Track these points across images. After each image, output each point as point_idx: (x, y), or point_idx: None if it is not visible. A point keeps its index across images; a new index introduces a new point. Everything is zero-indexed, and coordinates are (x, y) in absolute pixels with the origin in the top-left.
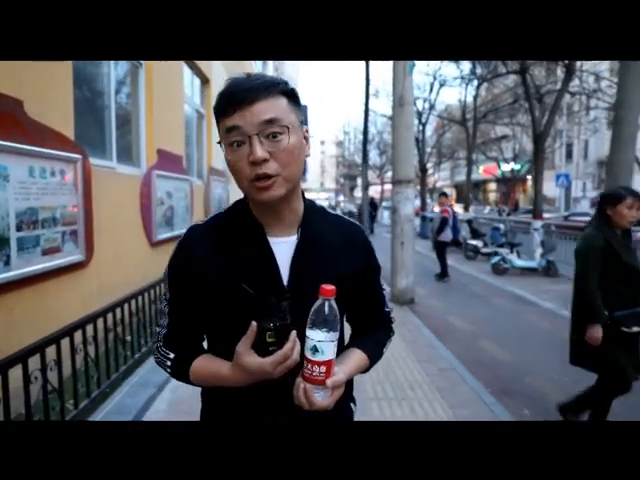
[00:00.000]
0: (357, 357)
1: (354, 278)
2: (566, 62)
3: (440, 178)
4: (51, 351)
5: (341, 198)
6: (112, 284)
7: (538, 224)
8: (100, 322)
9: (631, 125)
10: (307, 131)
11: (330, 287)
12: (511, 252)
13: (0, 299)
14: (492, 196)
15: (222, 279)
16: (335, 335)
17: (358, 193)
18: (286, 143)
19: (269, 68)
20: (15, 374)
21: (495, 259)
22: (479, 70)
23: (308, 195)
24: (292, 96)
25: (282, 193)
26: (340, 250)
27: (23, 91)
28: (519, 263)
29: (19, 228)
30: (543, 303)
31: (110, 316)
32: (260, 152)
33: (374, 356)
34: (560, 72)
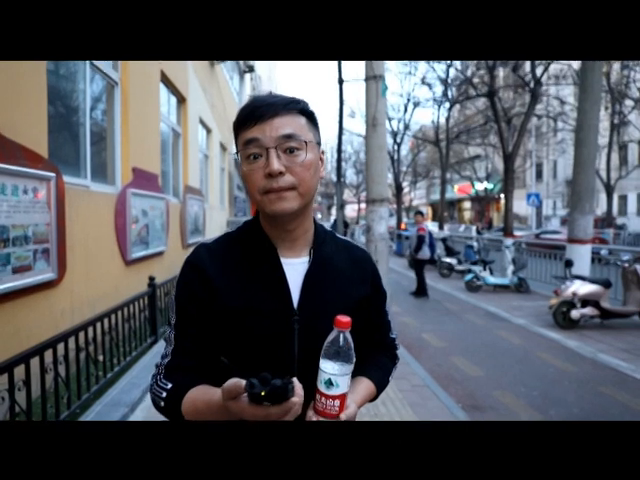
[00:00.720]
0: (366, 387)
1: (363, 304)
2: (531, 86)
3: (416, 196)
4: (20, 371)
5: (319, 216)
6: (85, 302)
7: (509, 242)
8: (72, 341)
9: (590, 146)
10: (323, 153)
11: (346, 319)
12: (484, 269)
13: None
14: (467, 214)
15: (237, 300)
16: (350, 368)
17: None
18: (303, 158)
19: (246, 86)
20: None
21: (469, 276)
22: (451, 93)
23: None
24: (311, 117)
25: (295, 207)
26: (349, 274)
27: None
28: (492, 280)
29: None
30: (514, 319)
31: (82, 335)
32: (277, 165)
33: (381, 385)
34: (527, 96)
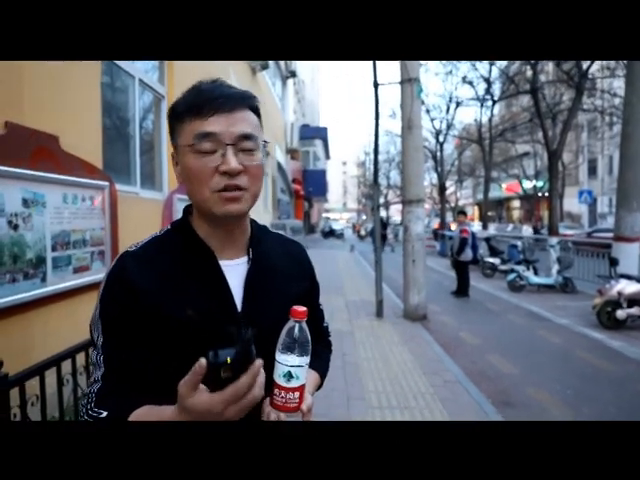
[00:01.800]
0: (314, 378)
1: (304, 299)
2: (576, 81)
3: (462, 196)
4: (81, 357)
5: (363, 217)
6: None
7: (554, 241)
8: None
9: (638, 141)
10: (265, 141)
11: (302, 309)
12: (527, 269)
13: (37, 312)
14: (516, 213)
15: (174, 310)
16: (308, 359)
17: (381, 213)
18: (259, 159)
19: (289, 91)
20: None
21: (511, 276)
22: (491, 92)
23: (330, 215)
24: (258, 113)
25: (246, 209)
26: (289, 271)
27: (58, 126)
28: (535, 280)
29: (54, 248)
30: (557, 319)
31: None
32: (234, 163)
33: (324, 374)
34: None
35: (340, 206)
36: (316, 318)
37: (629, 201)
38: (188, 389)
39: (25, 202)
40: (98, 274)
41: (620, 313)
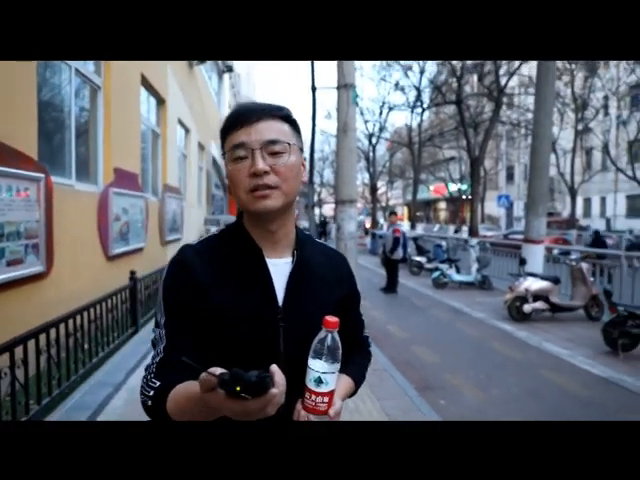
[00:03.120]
0: (347, 384)
1: (340, 304)
2: (495, 95)
3: (393, 196)
4: (18, 351)
5: (296, 212)
6: (70, 294)
7: (474, 241)
8: (62, 327)
9: (544, 155)
10: (305, 160)
11: (334, 319)
12: (450, 267)
13: None
14: (442, 214)
15: (224, 300)
16: (338, 366)
17: (315, 211)
18: (286, 160)
19: (225, 86)
20: None
21: (435, 274)
22: (421, 100)
23: None
24: (294, 124)
25: (278, 205)
26: (328, 276)
27: None
28: (457, 278)
29: None
30: (474, 313)
31: (71, 322)
32: (261, 164)
33: (359, 381)
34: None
35: None
36: (355, 327)
37: (536, 207)
38: (203, 387)
39: None
40: (32, 267)
41: (526, 307)
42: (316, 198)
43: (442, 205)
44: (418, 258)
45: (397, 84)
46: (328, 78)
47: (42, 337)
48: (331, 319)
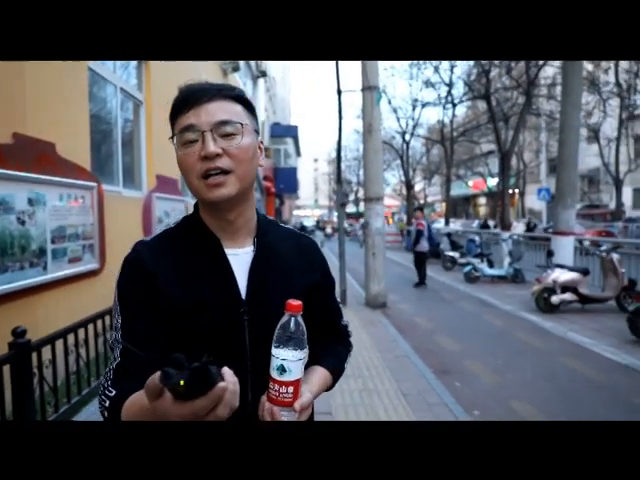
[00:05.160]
0: (322, 376)
1: (311, 291)
2: (524, 88)
3: (430, 193)
4: (79, 334)
5: (335, 214)
6: None
7: (506, 235)
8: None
9: (571, 146)
10: (262, 142)
11: (297, 302)
12: (482, 262)
13: (39, 297)
14: (482, 210)
15: (182, 296)
16: (303, 353)
17: (351, 208)
18: (239, 141)
19: (260, 90)
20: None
21: (467, 268)
22: (451, 96)
23: (302, 212)
24: (247, 104)
25: (233, 192)
26: (296, 263)
27: (54, 134)
28: (488, 271)
29: (53, 241)
30: (502, 305)
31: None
32: (212, 147)
33: (337, 373)
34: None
35: (312, 203)
36: (331, 314)
37: (565, 199)
38: (150, 394)
39: (30, 201)
40: (88, 264)
41: (554, 298)
42: (352, 197)
43: (482, 200)
44: (451, 253)
45: (427, 81)
46: (356, 81)
47: (99, 322)
48: (294, 302)
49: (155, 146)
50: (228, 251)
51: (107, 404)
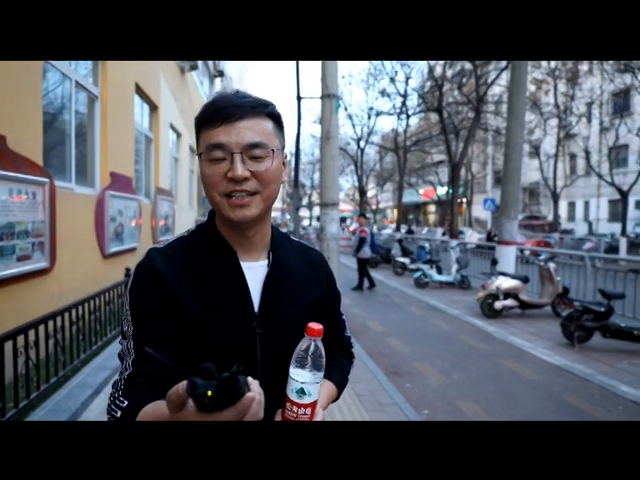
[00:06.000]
0: (329, 390)
1: (321, 306)
2: (474, 104)
3: (383, 199)
4: (29, 335)
5: (287, 217)
6: (70, 289)
7: (454, 243)
8: (66, 317)
9: (516, 162)
10: (286, 157)
11: (318, 327)
12: (431, 268)
13: None
14: (432, 217)
15: (196, 307)
16: (321, 375)
17: (304, 212)
18: (268, 166)
19: (216, 88)
20: None
21: (417, 274)
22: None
23: None
24: (277, 120)
25: (256, 214)
26: (306, 277)
27: (5, 126)
28: (437, 277)
29: (0, 238)
30: (450, 310)
31: (73, 312)
32: (241, 170)
33: (342, 385)
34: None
35: None
36: (337, 327)
37: (508, 210)
38: (172, 405)
39: None
40: (38, 263)
41: (497, 304)
42: (306, 201)
43: (432, 208)
44: (402, 259)
45: (383, 91)
46: (315, 87)
47: (50, 323)
48: (315, 326)
49: (110, 142)
50: (244, 264)
51: (118, 414)
